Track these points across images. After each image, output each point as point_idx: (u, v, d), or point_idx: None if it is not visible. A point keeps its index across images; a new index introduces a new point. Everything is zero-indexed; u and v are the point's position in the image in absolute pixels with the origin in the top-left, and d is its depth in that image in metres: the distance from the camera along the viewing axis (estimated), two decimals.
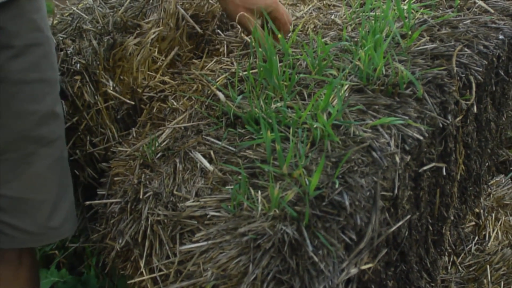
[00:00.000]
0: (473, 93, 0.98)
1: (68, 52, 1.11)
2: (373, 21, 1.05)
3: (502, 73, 1.13)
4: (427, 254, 1.08)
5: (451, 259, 1.23)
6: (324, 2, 1.29)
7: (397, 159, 0.84)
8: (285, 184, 0.81)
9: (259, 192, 0.82)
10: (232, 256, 0.79)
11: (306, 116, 0.88)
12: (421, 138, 0.87)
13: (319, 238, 0.75)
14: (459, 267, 1.21)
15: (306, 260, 0.76)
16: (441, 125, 0.90)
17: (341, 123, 0.87)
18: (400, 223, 0.84)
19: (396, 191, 0.84)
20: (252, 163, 0.87)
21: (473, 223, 1.30)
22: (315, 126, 0.86)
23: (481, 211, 1.32)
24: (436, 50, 0.99)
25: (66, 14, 1.35)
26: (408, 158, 0.86)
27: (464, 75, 0.97)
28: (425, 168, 0.90)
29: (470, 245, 1.25)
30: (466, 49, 1.02)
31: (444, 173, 0.94)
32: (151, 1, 1.20)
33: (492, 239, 1.26)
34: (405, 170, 0.87)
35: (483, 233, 1.28)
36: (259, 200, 0.81)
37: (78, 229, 1.26)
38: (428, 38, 1.05)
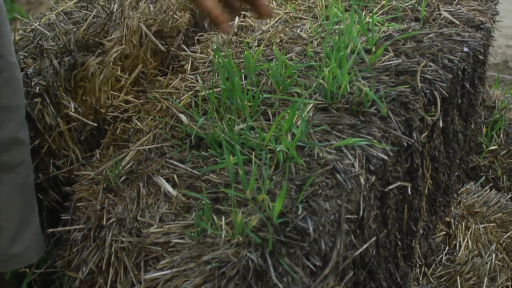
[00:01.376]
0: (438, 108, 0.98)
1: (28, 72, 1.08)
2: (337, 37, 1.04)
3: (468, 86, 1.13)
4: (397, 269, 1.08)
5: (422, 270, 1.23)
6: (291, 14, 1.27)
7: (362, 180, 0.83)
8: (249, 210, 0.80)
9: (223, 218, 0.80)
10: (197, 284, 0.78)
11: (270, 138, 0.87)
12: (386, 157, 0.86)
13: (283, 264, 0.74)
14: (430, 278, 1.22)
15: (272, 287, 0.75)
16: (405, 144, 0.89)
17: (305, 144, 0.86)
18: (366, 245, 0.84)
19: (361, 212, 0.84)
20: (215, 187, 0.86)
21: (444, 232, 1.31)
22: (278, 149, 0.85)
23: (452, 220, 1.32)
24: (401, 66, 0.99)
25: (29, 30, 1.32)
26: (373, 178, 0.86)
27: (428, 90, 0.97)
28: (390, 187, 0.90)
29: (441, 256, 1.25)
30: (431, 64, 1.02)
31: (410, 192, 0.94)
32: (113, 17, 1.17)
33: (462, 249, 1.27)
34: (370, 190, 0.86)
35: (454, 242, 1.29)
36: (223, 227, 0.80)
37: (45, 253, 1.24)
38: (393, 53, 1.04)
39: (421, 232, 1.11)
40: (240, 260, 0.76)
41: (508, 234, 1.37)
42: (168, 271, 0.80)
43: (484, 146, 1.66)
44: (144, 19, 1.18)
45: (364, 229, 0.87)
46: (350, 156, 0.84)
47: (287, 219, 0.77)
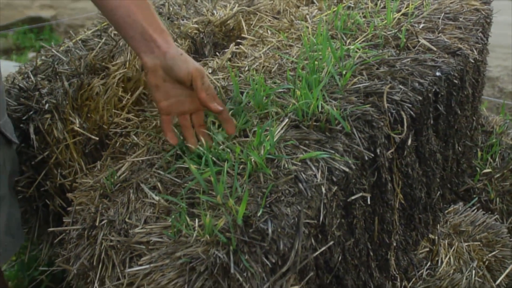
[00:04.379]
0: (405, 127, 1.06)
1: (42, 92, 1.22)
2: (316, 62, 1.14)
3: (441, 108, 1.21)
4: (371, 278, 1.14)
5: (403, 284, 1.29)
6: (283, 42, 1.39)
7: (323, 189, 0.92)
8: (219, 213, 0.90)
9: (196, 220, 0.91)
10: (171, 278, 0.88)
11: (243, 151, 0.97)
12: (348, 170, 0.95)
13: (243, 261, 0.83)
14: None
15: (235, 282, 0.84)
16: (366, 158, 0.98)
17: (274, 157, 0.96)
18: (322, 249, 0.92)
19: (322, 218, 0.92)
20: (193, 193, 0.96)
21: (427, 249, 1.36)
22: (252, 159, 0.95)
23: (436, 237, 1.38)
24: (369, 88, 1.08)
25: (49, 56, 1.47)
26: (335, 188, 0.94)
27: (395, 111, 1.06)
28: (352, 198, 0.98)
29: (422, 271, 1.31)
30: (400, 86, 1.11)
31: (369, 202, 1.02)
32: (120, 43, 1.31)
33: (444, 265, 1.32)
34: (333, 199, 0.95)
35: (436, 258, 1.34)
36: (196, 228, 0.89)
37: (54, 255, 1.36)
38: (367, 76, 1.14)
39: (394, 244, 1.17)
40: (208, 257, 0.85)
41: (493, 253, 1.41)
42: (147, 266, 0.90)
43: (478, 169, 1.71)
44: None
45: (327, 235, 0.95)
46: (313, 168, 0.93)
47: (250, 221, 0.87)
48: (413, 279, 1.29)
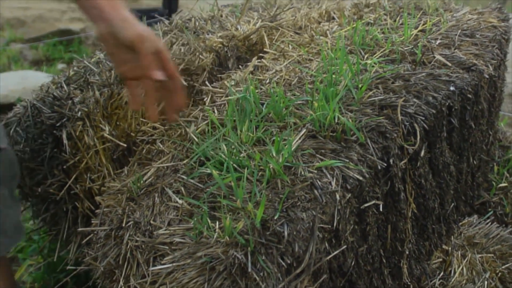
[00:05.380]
0: (418, 139, 1.11)
1: (75, 101, 1.30)
2: (333, 75, 1.20)
3: (455, 122, 1.25)
4: (384, 285, 1.18)
5: None
6: (303, 56, 1.45)
7: (338, 196, 0.97)
8: (238, 216, 0.96)
9: (217, 222, 0.96)
10: (192, 277, 0.93)
11: (262, 159, 1.02)
12: (361, 178, 1.00)
13: (260, 261, 0.88)
14: None
15: (252, 281, 0.89)
16: (379, 167, 1.03)
17: (291, 164, 1.01)
18: (335, 252, 0.96)
19: (335, 224, 0.97)
20: (215, 198, 1.02)
21: (440, 259, 1.39)
22: (271, 166, 1.00)
23: (450, 248, 1.41)
24: (384, 101, 1.13)
25: (81, 67, 1.56)
26: (349, 195, 0.99)
27: (408, 123, 1.10)
28: (366, 205, 1.02)
29: (434, 280, 1.34)
30: (415, 100, 1.16)
31: (381, 210, 1.06)
32: None
33: (457, 275, 1.35)
34: (347, 206, 1.00)
35: (449, 269, 1.37)
36: (216, 230, 0.95)
37: (81, 255, 1.43)
38: (382, 90, 1.19)
39: (407, 253, 1.21)
40: (227, 258, 0.91)
41: (507, 265, 1.43)
42: (170, 265, 0.96)
43: (494, 183, 1.73)
44: (174, 58, 1.38)
45: (340, 240, 1.00)
46: (328, 176, 0.99)
47: (268, 224, 0.92)
48: None
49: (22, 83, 3.83)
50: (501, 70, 1.67)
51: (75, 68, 1.57)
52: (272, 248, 0.90)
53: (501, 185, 1.72)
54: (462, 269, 1.36)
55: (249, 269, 0.87)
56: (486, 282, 1.33)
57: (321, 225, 0.95)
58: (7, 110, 3.71)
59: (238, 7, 2.00)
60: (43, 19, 7.19)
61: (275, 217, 0.91)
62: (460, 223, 1.48)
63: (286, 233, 0.90)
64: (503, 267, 1.43)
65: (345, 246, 0.98)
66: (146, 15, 5.46)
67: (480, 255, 1.42)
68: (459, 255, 1.39)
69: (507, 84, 4.49)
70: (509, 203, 1.69)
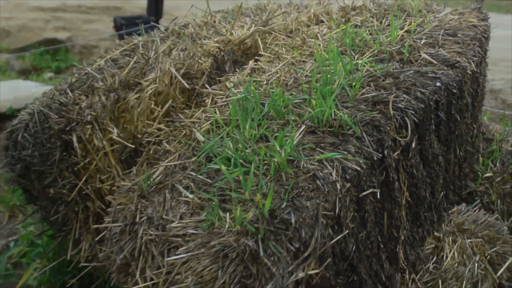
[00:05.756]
0: (409, 132, 1.19)
1: (82, 106, 1.36)
2: (327, 75, 1.28)
3: (442, 115, 1.34)
4: (382, 269, 1.26)
5: (411, 277, 1.40)
6: (296, 58, 1.53)
7: (338, 186, 1.05)
8: (247, 207, 1.03)
9: (227, 214, 1.03)
10: (206, 265, 1.00)
11: (266, 154, 1.10)
12: (359, 169, 1.08)
13: (270, 247, 0.96)
14: (418, 284, 1.39)
15: (263, 266, 0.97)
16: (375, 158, 1.11)
17: (294, 158, 1.09)
18: (338, 237, 1.04)
19: (337, 211, 1.05)
20: (223, 191, 1.09)
21: (433, 245, 1.48)
22: (275, 160, 1.08)
23: (441, 235, 1.50)
24: (376, 97, 1.21)
25: (82, 74, 1.62)
26: (348, 185, 1.07)
27: (400, 117, 1.19)
28: (364, 193, 1.10)
29: (428, 264, 1.42)
30: (404, 95, 1.24)
31: (378, 197, 1.14)
32: (150, 62, 1.46)
33: (449, 259, 1.44)
34: (346, 195, 1.08)
35: (442, 254, 1.46)
36: (227, 220, 1.02)
37: (91, 254, 1.49)
38: (374, 87, 1.27)
39: (402, 238, 1.29)
40: (239, 246, 0.98)
41: (495, 249, 1.53)
42: (185, 255, 1.03)
43: (480, 173, 1.83)
44: (174, 63, 1.45)
45: (342, 226, 1.08)
46: (329, 167, 1.06)
47: (275, 213, 0.99)
48: (421, 272, 1.41)
49: (13, 92, 3.86)
50: (482, 66, 1.76)
51: (76, 75, 1.63)
52: (280, 234, 0.98)
53: (486, 175, 1.81)
54: (454, 253, 1.45)
55: (261, 254, 0.94)
56: (476, 265, 1.42)
57: (324, 212, 1.03)
58: (3, 119, 3.72)
59: (230, 13, 2.08)
60: (27, 29, 7.19)
61: (282, 206, 0.99)
62: (450, 211, 1.57)
63: (293, 220, 0.97)
64: (491, 250, 1.52)
65: (346, 231, 1.06)
66: (131, 22, 5.48)
67: (469, 240, 1.50)
68: (450, 240, 1.48)
69: (488, 80, 4.63)
70: (494, 192, 1.79)
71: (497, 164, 1.88)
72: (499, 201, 1.77)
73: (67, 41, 5.98)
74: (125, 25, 5.55)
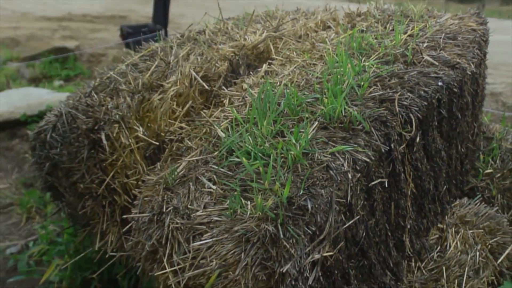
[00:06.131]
0: (413, 127, 1.29)
1: (108, 107, 1.46)
2: (337, 76, 1.38)
3: (444, 112, 1.44)
4: (390, 256, 1.36)
5: (417, 265, 1.49)
6: (307, 61, 1.63)
7: (349, 175, 1.15)
8: (267, 196, 1.13)
9: (249, 202, 1.13)
10: (230, 249, 1.10)
11: (283, 147, 1.20)
12: (368, 160, 1.18)
13: (289, 231, 1.05)
14: (423, 271, 1.48)
15: (282, 248, 1.06)
16: (383, 151, 1.21)
17: (308, 151, 1.19)
18: (350, 222, 1.14)
19: (349, 199, 1.14)
20: (244, 182, 1.19)
21: (437, 236, 1.57)
22: (291, 153, 1.18)
23: (444, 226, 1.59)
24: (383, 96, 1.31)
25: (105, 78, 1.73)
26: (359, 175, 1.17)
27: (405, 113, 1.29)
28: (373, 183, 1.20)
29: (433, 253, 1.51)
30: (409, 94, 1.34)
31: (386, 185, 1.24)
32: (171, 65, 1.56)
33: (452, 248, 1.53)
34: (357, 184, 1.17)
35: (445, 243, 1.55)
36: (249, 207, 1.12)
37: (116, 246, 1.58)
38: (380, 87, 1.37)
39: (408, 227, 1.39)
40: (260, 230, 1.08)
41: (495, 239, 1.62)
42: (209, 240, 1.12)
43: (481, 170, 1.92)
44: (193, 67, 1.56)
45: (353, 213, 1.18)
46: (341, 159, 1.16)
47: (293, 200, 1.09)
48: (425, 260, 1.50)
49: (26, 99, 3.97)
50: (482, 68, 1.86)
51: (98, 79, 1.74)
52: (298, 219, 1.08)
53: (487, 171, 1.91)
54: (457, 243, 1.54)
55: (281, 236, 1.04)
56: (477, 253, 1.51)
57: (337, 200, 1.12)
58: (17, 125, 3.83)
59: (241, 20, 2.18)
60: (36, 38, 7.33)
61: (299, 194, 1.08)
62: (453, 204, 1.67)
63: (309, 206, 1.07)
64: (492, 240, 1.61)
65: (357, 217, 1.16)
66: (138, 31, 5.59)
67: (471, 231, 1.60)
68: (453, 231, 1.57)
69: (491, 84, 4.72)
70: (495, 187, 1.88)
71: (497, 161, 1.97)
72: (499, 195, 1.86)
73: (75, 50, 6.11)
74: (132, 34, 5.67)
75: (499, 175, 1.92)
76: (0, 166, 3.45)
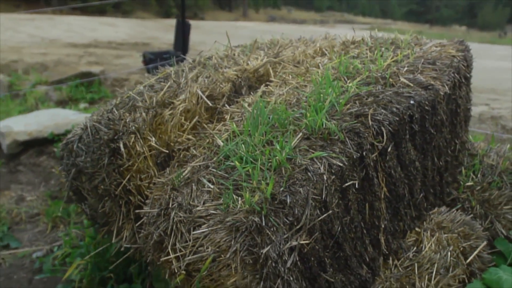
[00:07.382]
0: (384, 138, 1.50)
1: (127, 120, 1.71)
2: (321, 95, 1.61)
3: (416, 127, 1.65)
4: (366, 252, 1.56)
5: (394, 263, 1.68)
6: (300, 83, 1.86)
7: (325, 177, 1.36)
8: (254, 193, 1.35)
9: (239, 198, 1.35)
10: (222, 237, 1.32)
11: (270, 153, 1.42)
12: (342, 165, 1.39)
13: (271, 221, 1.27)
14: (399, 268, 1.67)
15: (265, 236, 1.28)
16: (355, 157, 1.42)
17: (292, 157, 1.41)
18: (323, 215, 1.35)
19: (324, 196, 1.36)
20: (237, 182, 1.41)
21: (414, 238, 1.76)
22: (276, 158, 1.40)
23: (422, 230, 1.78)
24: (358, 112, 1.53)
25: (125, 97, 1.98)
26: (333, 177, 1.38)
27: (377, 126, 1.50)
28: (346, 184, 1.41)
29: (409, 253, 1.70)
30: (382, 110, 1.56)
31: (357, 187, 1.45)
32: (181, 86, 1.81)
33: (426, 248, 1.72)
34: (332, 184, 1.39)
35: (421, 245, 1.74)
36: (239, 202, 1.34)
37: (130, 242, 1.81)
38: (358, 104, 1.59)
39: (383, 227, 1.59)
40: (247, 221, 1.29)
41: (469, 243, 1.80)
42: (206, 229, 1.34)
43: (462, 183, 2.11)
44: (201, 87, 1.80)
45: (328, 209, 1.39)
46: (318, 163, 1.38)
47: (275, 196, 1.31)
48: (402, 259, 1.69)
49: (53, 119, 4.27)
50: (462, 90, 2.07)
51: (119, 98, 2.00)
52: (279, 212, 1.29)
53: (467, 184, 2.09)
54: (431, 245, 1.73)
55: (263, 225, 1.26)
56: (449, 253, 1.70)
57: (313, 196, 1.34)
58: (45, 143, 4.13)
59: (247, 47, 2.44)
60: (63, 63, 7.76)
61: (281, 190, 1.30)
62: (431, 212, 1.86)
63: (288, 201, 1.29)
64: (465, 244, 1.79)
65: (330, 212, 1.37)
66: (159, 57, 5.93)
67: (446, 235, 1.78)
68: (429, 235, 1.76)
69: (496, 108, 4.87)
70: (474, 199, 2.06)
71: (479, 175, 2.16)
72: (478, 206, 2.04)
73: (100, 75, 6.47)
74: (153, 60, 6.01)
75: (479, 187, 2.10)
76: (29, 180, 3.75)
